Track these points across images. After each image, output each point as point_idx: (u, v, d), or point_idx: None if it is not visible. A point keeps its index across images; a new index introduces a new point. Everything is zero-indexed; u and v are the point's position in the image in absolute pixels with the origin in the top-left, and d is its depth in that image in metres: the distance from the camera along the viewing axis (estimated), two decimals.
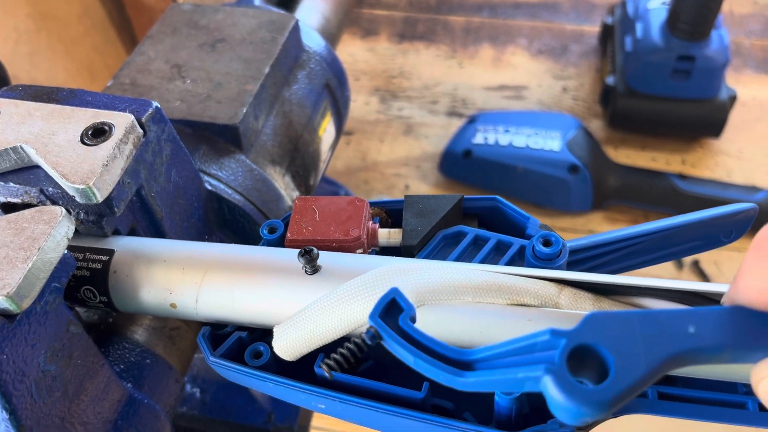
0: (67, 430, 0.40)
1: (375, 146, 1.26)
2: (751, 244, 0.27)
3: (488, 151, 1.10)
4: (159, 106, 0.45)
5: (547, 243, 0.39)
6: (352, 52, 1.45)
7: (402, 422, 0.36)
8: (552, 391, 0.24)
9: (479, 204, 0.45)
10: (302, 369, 0.39)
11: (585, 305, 0.35)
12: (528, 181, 1.08)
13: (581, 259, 0.40)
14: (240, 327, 0.41)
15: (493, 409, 0.35)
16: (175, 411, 0.67)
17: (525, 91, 1.35)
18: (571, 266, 0.41)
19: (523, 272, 0.36)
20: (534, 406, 0.37)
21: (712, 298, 0.34)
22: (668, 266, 1.07)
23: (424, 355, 0.29)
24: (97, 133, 0.41)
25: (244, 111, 0.57)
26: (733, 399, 0.34)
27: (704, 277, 1.05)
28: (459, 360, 0.29)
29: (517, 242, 0.41)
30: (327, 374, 0.34)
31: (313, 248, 0.38)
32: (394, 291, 0.30)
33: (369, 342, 0.30)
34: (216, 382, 0.69)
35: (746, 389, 0.35)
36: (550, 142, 1.08)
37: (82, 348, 0.40)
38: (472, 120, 1.19)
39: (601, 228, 1.12)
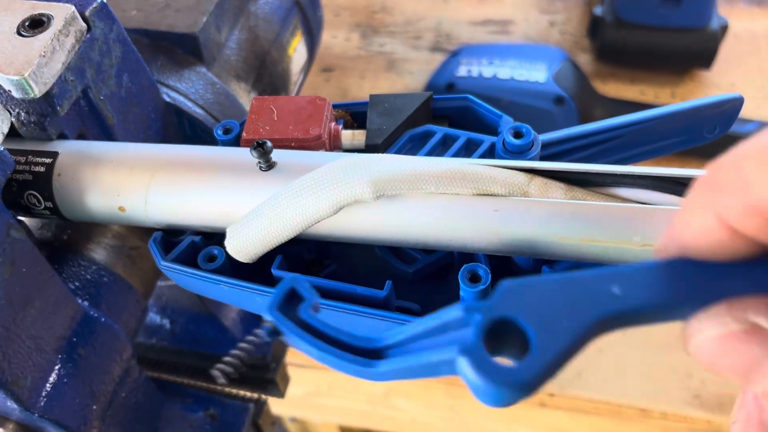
0: (13, 341, 0.38)
1: (356, 83, 1.23)
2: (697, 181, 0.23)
3: (472, 83, 1.07)
4: (106, 2, 0.41)
5: (518, 135, 0.36)
6: None
7: (366, 322, 0.34)
8: (468, 374, 0.21)
9: (450, 104, 0.42)
10: (259, 273, 0.37)
11: (556, 194, 0.33)
12: (513, 113, 1.04)
13: (554, 153, 0.38)
14: (195, 233, 0.39)
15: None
16: (145, 343, 0.65)
17: (511, 25, 1.30)
18: (543, 161, 0.38)
19: (490, 163, 0.34)
20: None
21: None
22: None
23: (329, 348, 0.25)
24: (35, 24, 0.38)
25: (204, 20, 0.53)
26: None
27: None
28: (368, 349, 0.26)
29: (488, 139, 0.39)
30: (222, 380, 0.33)
31: (267, 141, 0.35)
32: (293, 280, 0.26)
33: (267, 339, 0.26)
34: (186, 312, 0.67)
35: None
36: (536, 74, 1.05)
37: (27, 257, 0.38)
38: (455, 53, 1.15)
39: None
